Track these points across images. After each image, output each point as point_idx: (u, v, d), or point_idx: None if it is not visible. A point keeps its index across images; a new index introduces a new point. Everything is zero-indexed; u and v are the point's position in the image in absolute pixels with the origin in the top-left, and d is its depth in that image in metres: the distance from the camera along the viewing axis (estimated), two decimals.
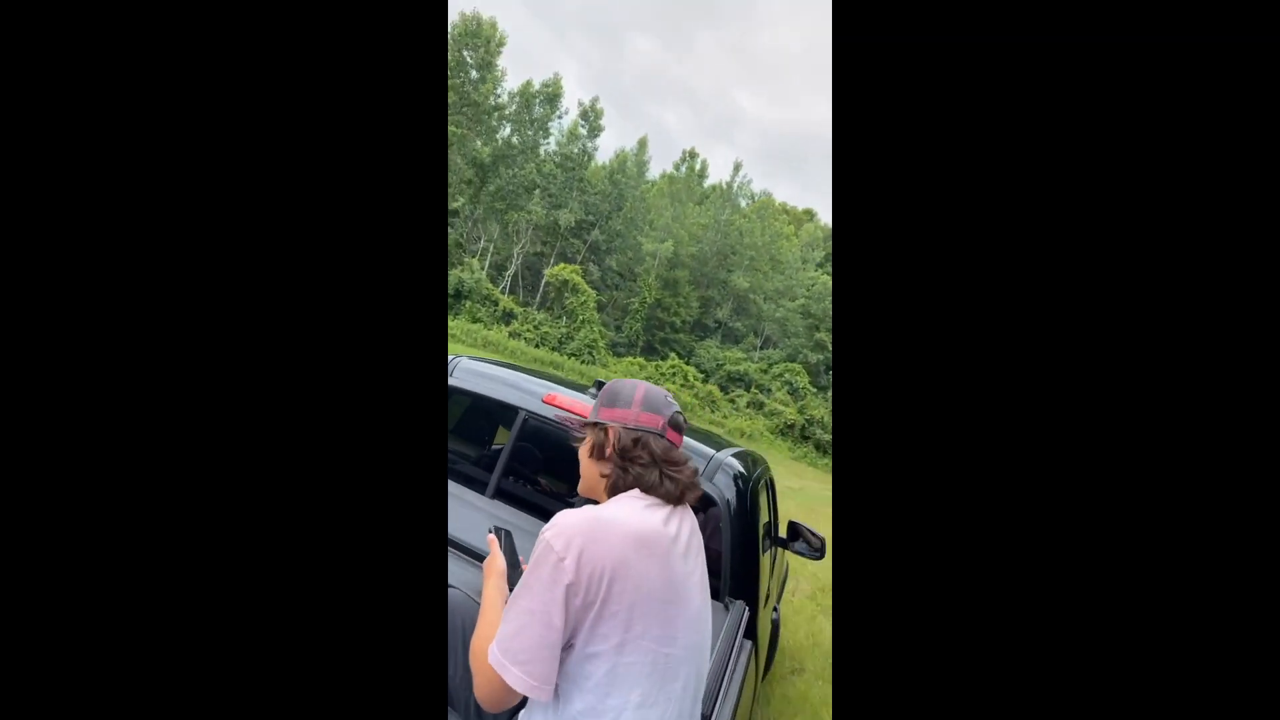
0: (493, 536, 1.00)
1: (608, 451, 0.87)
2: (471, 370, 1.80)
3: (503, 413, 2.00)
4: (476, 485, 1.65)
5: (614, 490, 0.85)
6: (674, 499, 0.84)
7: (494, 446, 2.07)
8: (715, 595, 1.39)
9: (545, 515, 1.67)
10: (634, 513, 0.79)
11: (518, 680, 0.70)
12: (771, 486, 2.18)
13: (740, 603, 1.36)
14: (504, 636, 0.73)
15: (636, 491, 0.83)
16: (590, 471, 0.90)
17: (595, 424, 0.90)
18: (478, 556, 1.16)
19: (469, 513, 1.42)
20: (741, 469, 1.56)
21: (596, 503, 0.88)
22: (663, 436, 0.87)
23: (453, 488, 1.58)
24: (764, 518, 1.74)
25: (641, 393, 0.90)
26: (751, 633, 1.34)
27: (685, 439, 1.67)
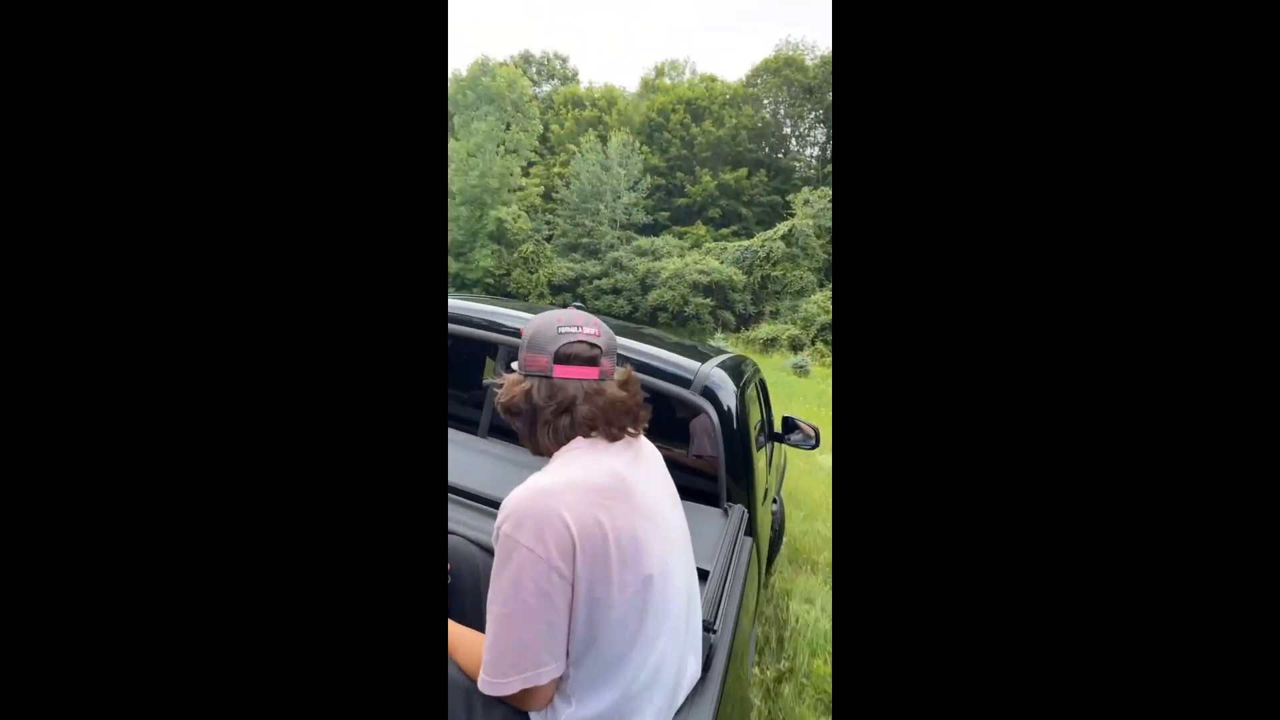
0: None
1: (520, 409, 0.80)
2: (450, 308, 1.74)
3: (485, 349, 1.96)
4: (469, 426, 1.66)
5: (536, 450, 0.81)
6: (611, 437, 0.78)
7: (485, 382, 2.06)
8: (714, 502, 1.45)
9: None
10: (583, 466, 0.74)
11: (522, 684, 0.67)
12: (763, 386, 2.21)
13: (739, 506, 1.41)
14: (490, 662, 0.67)
15: (577, 440, 0.78)
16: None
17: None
18: (480, 500, 1.18)
19: (466, 455, 1.44)
20: (729, 381, 1.56)
21: None
22: (548, 377, 0.78)
23: (449, 433, 1.58)
24: (757, 419, 1.78)
25: (529, 332, 0.80)
26: (751, 530, 1.40)
27: (667, 354, 1.66)
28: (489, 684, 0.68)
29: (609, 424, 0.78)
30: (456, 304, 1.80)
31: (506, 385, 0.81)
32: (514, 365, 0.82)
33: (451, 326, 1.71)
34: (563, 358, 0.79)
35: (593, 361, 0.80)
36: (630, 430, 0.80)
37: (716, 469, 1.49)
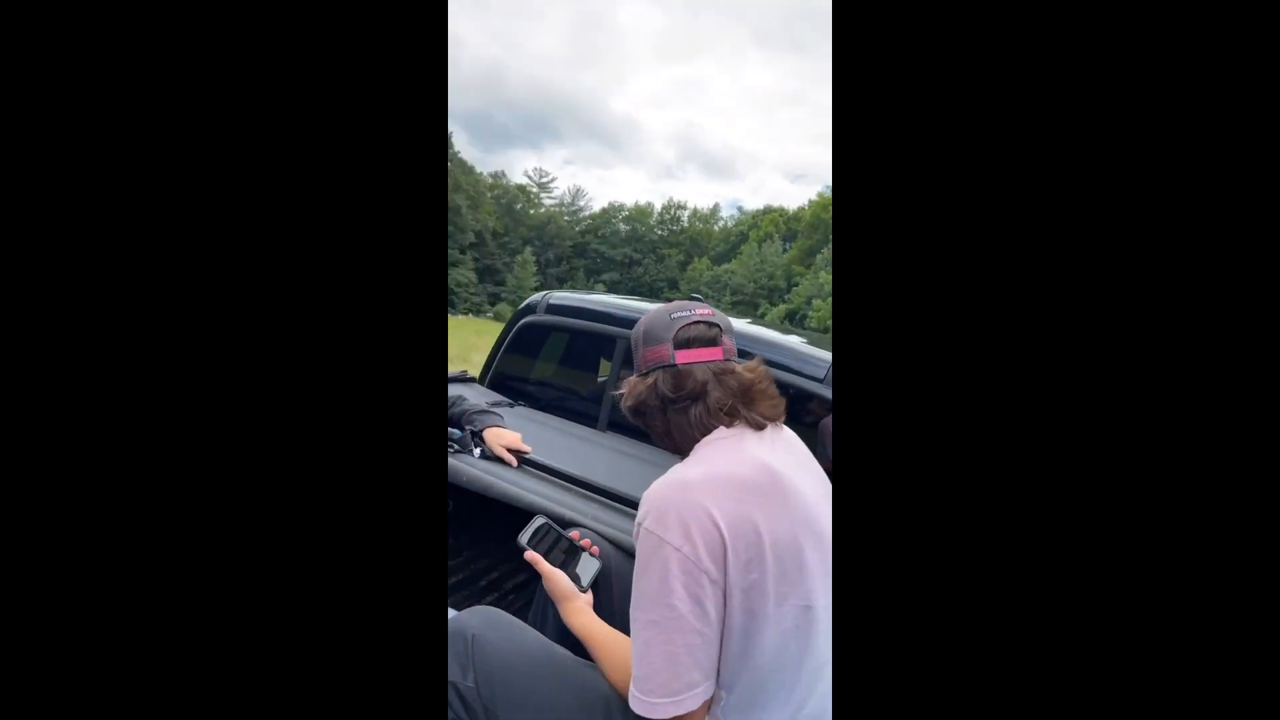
0: (530, 553, 0.85)
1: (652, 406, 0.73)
2: (563, 304, 1.75)
3: (603, 344, 1.96)
4: (588, 420, 1.64)
5: (676, 449, 0.74)
6: (755, 425, 0.70)
7: (600, 379, 2.06)
8: None
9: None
10: (728, 457, 0.66)
11: (677, 709, 0.60)
12: None
13: None
14: (641, 677, 0.61)
15: (718, 430, 0.70)
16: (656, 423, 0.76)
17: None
18: (600, 492, 1.13)
19: (585, 448, 1.41)
20: None
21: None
22: (672, 365, 0.71)
23: (565, 425, 1.57)
24: None
25: (642, 327, 0.75)
26: None
27: (794, 344, 1.53)
28: (642, 703, 0.61)
29: (749, 408, 0.70)
30: (576, 297, 1.80)
31: (629, 389, 0.75)
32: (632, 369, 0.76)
33: (570, 320, 1.72)
34: (683, 342, 0.72)
35: (714, 341, 0.73)
36: (771, 418, 0.71)
37: None
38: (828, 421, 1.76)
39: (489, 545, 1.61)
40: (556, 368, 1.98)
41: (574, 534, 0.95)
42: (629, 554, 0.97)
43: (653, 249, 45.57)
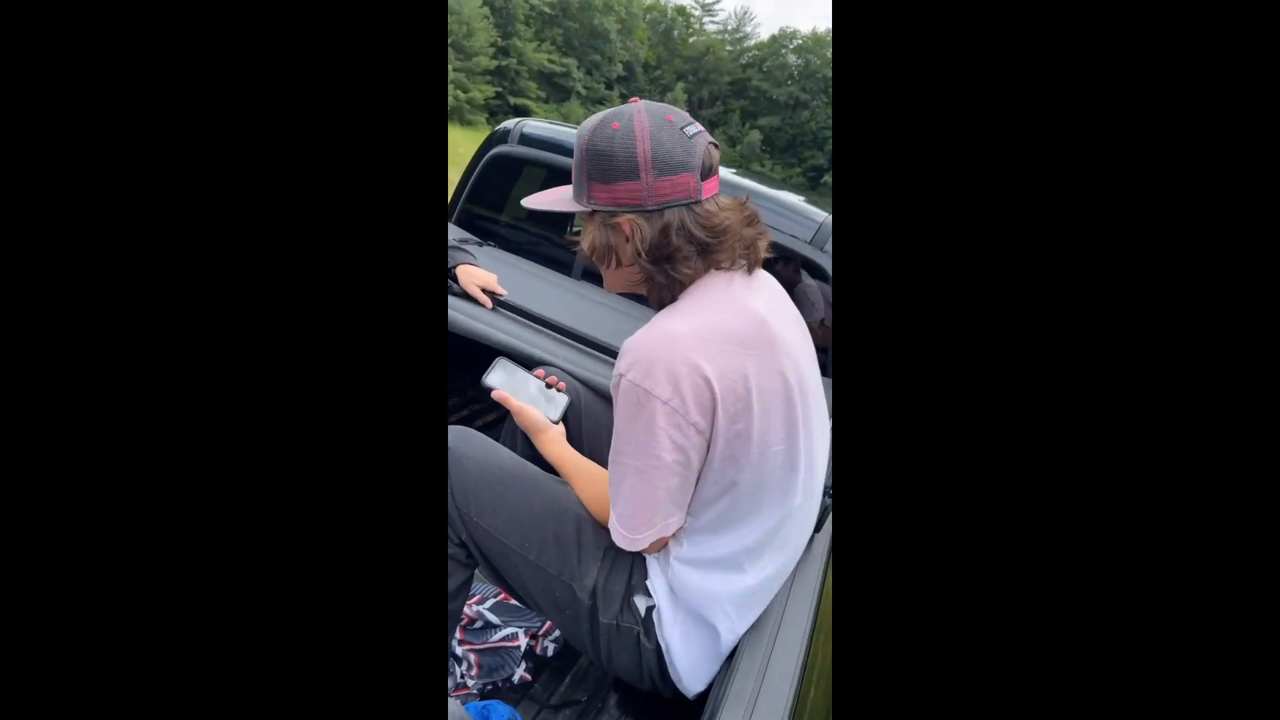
0: (498, 391, 0.83)
1: (626, 255, 0.62)
2: (538, 134, 1.58)
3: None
4: (561, 267, 1.57)
5: (661, 300, 0.65)
6: (746, 268, 0.64)
7: (575, 230, 1.94)
8: (825, 371, 1.32)
9: (634, 295, 1.61)
10: (719, 308, 0.61)
11: (653, 539, 0.64)
12: None
13: None
14: (625, 515, 0.63)
15: (711, 274, 0.62)
16: (613, 277, 0.66)
17: (592, 212, 0.62)
18: (575, 337, 1.11)
19: (558, 293, 1.36)
20: None
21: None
22: (699, 202, 0.59)
23: (538, 270, 1.51)
24: None
25: (647, 145, 0.57)
26: None
27: (786, 197, 1.44)
28: (625, 538, 0.65)
29: (745, 251, 0.64)
30: (554, 127, 1.62)
31: (630, 229, 0.61)
32: (598, 204, 0.61)
33: (547, 154, 1.56)
34: (708, 170, 0.60)
35: (716, 172, 0.62)
36: (759, 261, 0.66)
37: (828, 342, 1.34)
38: (803, 287, 1.75)
39: (458, 384, 1.62)
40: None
41: (539, 372, 0.95)
42: (598, 393, 0.98)
43: (826, 89, 33.29)
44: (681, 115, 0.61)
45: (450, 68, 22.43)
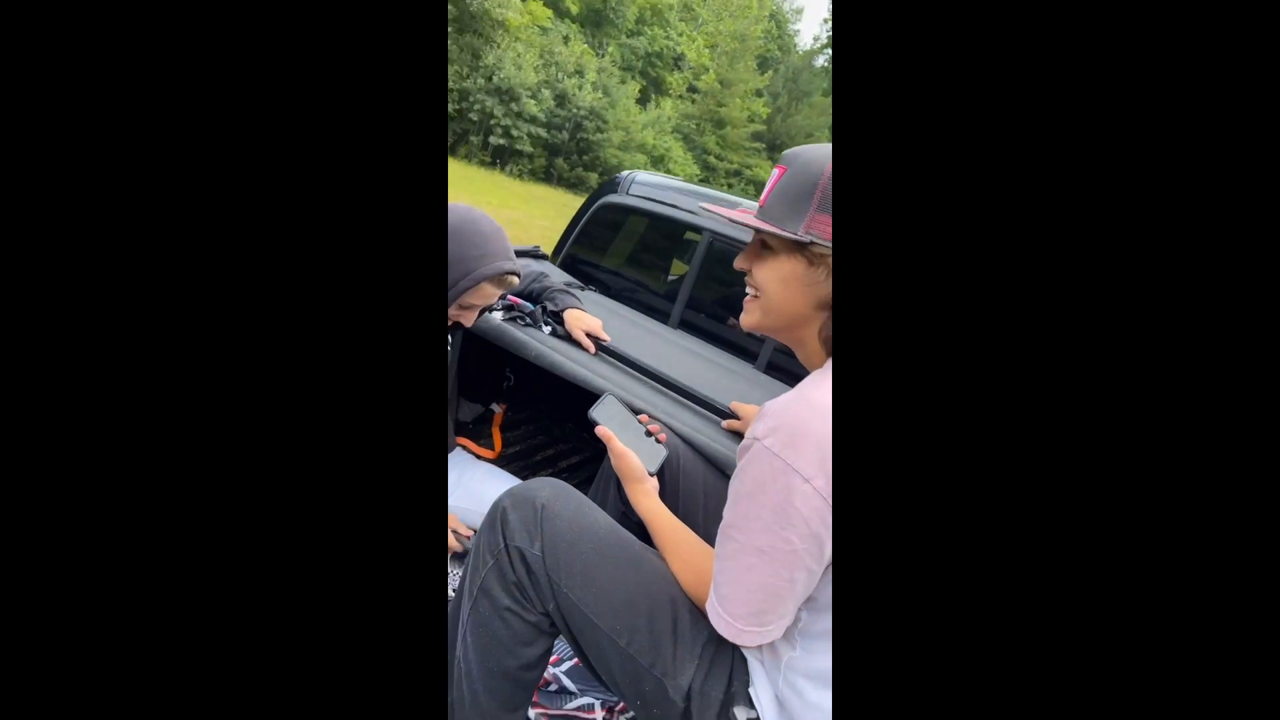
0: (603, 428, 0.79)
1: (821, 297, 0.57)
2: (648, 185, 1.61)
3: (679, 243, 1.82)
4: (658, 315, 1.56)
5: (813, 360, 0.60)
6: None
7: (671, 279, 1.95)
8: None
9: (732, 349, 1.57)
10: None
11: (764, 639, 0.56)
12: None
13: None
14: (732, 599, 0.55)
15: None
16: (787, 313, 0.60)
17: (806, 243, 0.57)
18: (673, 388, 1.08)
19: (656, 343, 1.34)
20: None
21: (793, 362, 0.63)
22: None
23: (637, 317, 1.50)
24: None
25: (815, 162, 0.56)
26: None
27: None
28: (730, 627, 0.57)
29: None
30: (662, 179, 1.66)
31: (820, 260, 0.57)
32: (813, 230, 0.56)
33: (653, 205, 1.59)
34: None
35: None
36: None
37: None
38: None
39: (548, 422, 1.63)
40: (630, 257, 1.88)
41: (642, 417, 0.91)
42: (697, 451, 0.93)
43: None
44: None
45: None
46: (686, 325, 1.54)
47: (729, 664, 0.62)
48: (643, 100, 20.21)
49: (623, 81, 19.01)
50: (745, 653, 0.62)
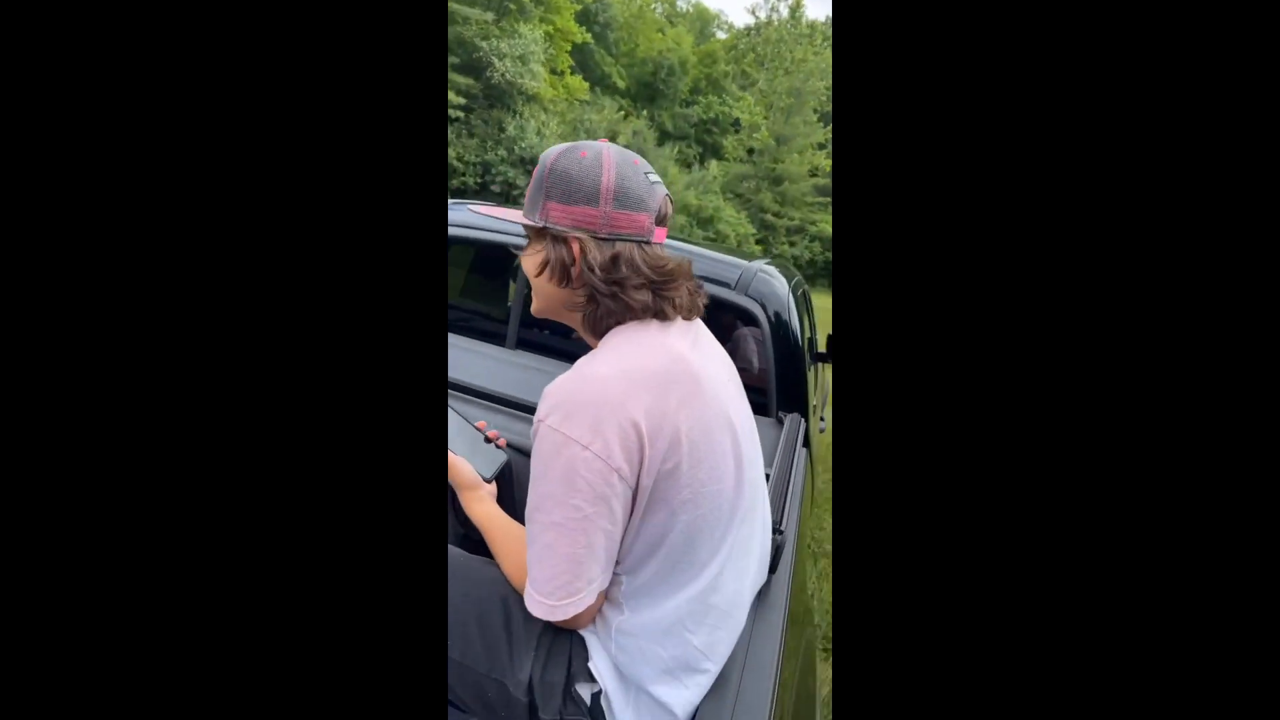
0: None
1: (574, 273, 0.61)
2: (475, 216, 1.60)
3: (511, 265, 1.83)
4: (495, 339, 1.55)
5: (598, 326, 0.63)
6: (685, 314, 0.64)
7: (509, 304, 1.95)
8: (764, 412, 1.32)
9: (572, 358, 1.60)
10: (644, 350, 0.59)
11: (578, 608, 0.57)
12: (808, 299, 2.04)
13: (795, 414, 1.29)
14: (542, 580, 0.57)
15: (634, 323, 0.62)
16: (551, 296, 0.64)
17: (543, 229, 0.62)
18: (508, 403, 1.08)
19: (493, 365, 1.33)
20: (781, 278, 1.40)
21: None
22: (648, 242, 0.61)
23: (473, 344, 1.48)
24: (806, 333, 1.63)
25: (611, 177, 0.60)
26: (807, 442, 1.29)
27: (706, 251, 1.50)
28: (543, 606, 0.58)
29: (669, 296, 0.63)
30: (488, 207, 1.65)
31: (577, 250, 0.61)
32: (551, 220, 0.61)
33: (470, 232, 1.58)
34: (662, 218, 0.62)
35: (666, 223, 0.64)
36: (689, 309, 0.66)
37: (764, 383, 1.36)
38: (743, 330, 1.78)
39: None
40: (463, 285, 1.85)
41: (480, 423, 0.89)
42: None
43: None
44: (645, 163, 0.64)
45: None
46: (525, 344, 1.54)
47: (567, 647, 0.63)
48: (689, 164, 19.71)
49: (660, 144, 18.44)
50: (582, 632, 0.64)
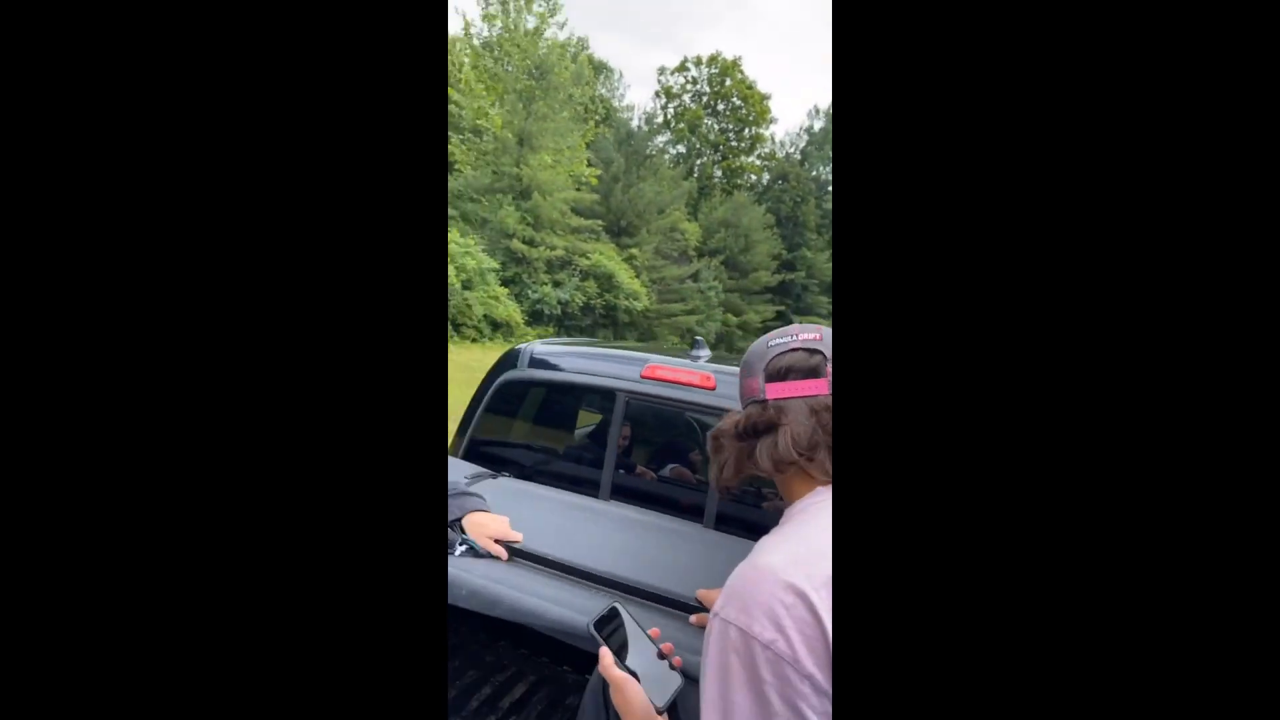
0: (605, 650, 0.64)
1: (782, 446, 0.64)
2: (548, 355, 1.55)
3: (590, 398, 1.75)
4: (585, 486, 1.42)
5: (792, 495, 0.64)
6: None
7: (578, 429, 1.84)
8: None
9: (676, 508, 1.43)
10: (818, 521, 0.57)
11: None
12: None
13: None
14: None
15: (819, 489, 0.61)
16: (738, 468, 0.68)
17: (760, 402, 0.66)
18: (618, 585, 0.91)
19: (588, 524, 1.17)
20: None
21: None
22: (762, 400, 0.65)
23: (560, 494, 1.34)
24: None
25: (745, 358, 0.71)
26: None
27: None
28: None
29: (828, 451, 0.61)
30: (562, 346, 1.61)
31: (723, 422, 0.69)
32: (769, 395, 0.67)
33: (556, 374, 1.52)
34: (775, 373, 0.65)
35: (815, 372, 0.64)
36: None
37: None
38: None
39: (476, 653, 1.33)
40: (532, 425, 1.76)
41: (654, 631, 0.70)
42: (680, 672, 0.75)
43: None
44: (787, 330, 0.70)
45: (720, 286, 20.07)
46: (620, 491, 1.40)
47: None
48: None
49: None
50: None
